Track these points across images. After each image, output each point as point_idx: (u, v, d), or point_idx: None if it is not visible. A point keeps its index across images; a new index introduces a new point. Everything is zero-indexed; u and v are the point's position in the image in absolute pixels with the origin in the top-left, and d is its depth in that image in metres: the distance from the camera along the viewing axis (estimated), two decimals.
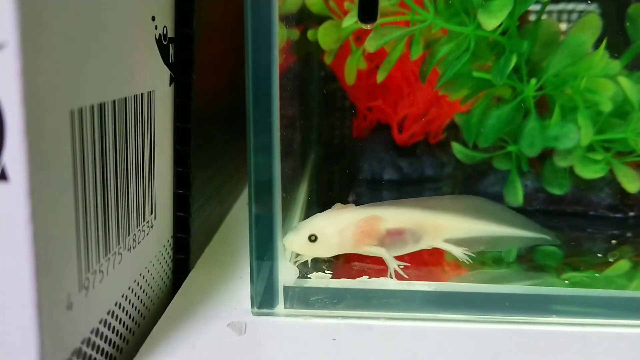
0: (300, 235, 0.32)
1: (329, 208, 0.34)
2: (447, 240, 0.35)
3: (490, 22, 0.34)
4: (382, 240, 0.33)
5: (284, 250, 0.32)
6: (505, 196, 0.41)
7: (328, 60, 0.42)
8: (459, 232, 0.35)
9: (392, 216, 0.33)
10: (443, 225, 0.35)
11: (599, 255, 0.38)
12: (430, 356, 0.28)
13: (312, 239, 0.32)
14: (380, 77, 0.39)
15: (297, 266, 0.33)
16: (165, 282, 0.35)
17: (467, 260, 0.34)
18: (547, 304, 0.31)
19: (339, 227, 0.32)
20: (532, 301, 0.32)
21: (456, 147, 0.41)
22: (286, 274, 0.31)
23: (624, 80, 0.36)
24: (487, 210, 0.37)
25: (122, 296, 0.28)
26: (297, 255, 0.34)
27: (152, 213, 0.32)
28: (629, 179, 0.39)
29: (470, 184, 0.43)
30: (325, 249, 0.32)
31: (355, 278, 0.33)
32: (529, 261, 0.38)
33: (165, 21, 0.32)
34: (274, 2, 0.28)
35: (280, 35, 0.28)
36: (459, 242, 0.35)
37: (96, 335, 0.25)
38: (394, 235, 0.33)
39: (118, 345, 0.28)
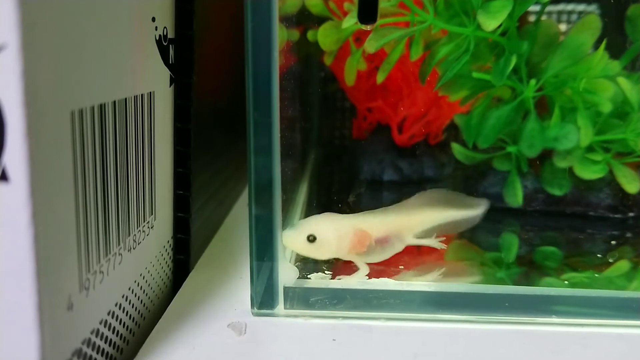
0: (299, 233, 0.32)
1: (328, 208, 0.34)
2: (418, 234, 0.36)
3: (490, 23, 0.34)
4: (372, 248, 0.34)
5: (284, 250, 0.32)
6: (504, 197, 0.41)
7: (328, 61, 0.42)
8: (425, 224, 0.37)
9: (379, 224, 0.34)
10: (412, 223, 0.36)
11: (598, 255, 0.38)
12: (430, 357, 0.28)
13: (311, 239, 0.32)
14: (380, 78, 0.39)
15: (296, 266, 0.33)
16: (166, 283, 0.35)
17: (443, 247, 0.36)
18: (547, 305, 0.31)
19: (339, 233, 0.33)
20: (532, 301, 0.32)
21: (456, 148, 0.41)
22: (286, 275, 0.32)
23: (623, 81, 0.36)
24: (445, 199, 0.39)
25: (123, 297, 0.28)
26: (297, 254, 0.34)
27: (152, 214, 0.32)
28: (628, 179, 0.39)
29: (470, 185, 0.43)
30: (322, 252, 0.33)
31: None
32: (528, 262, 0.38)
33: (166, 22, 0.32)
34: (274, 3, 0.28)
35: (280, 36, 0.28)
36: (427, 233, 0.37)
37: (96, 336, 0.25)
38: (382, 243, 0.34)
39: (118, 346, 0.28)
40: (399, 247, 0.35)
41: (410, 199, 0.38)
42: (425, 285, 0.32)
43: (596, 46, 0.36)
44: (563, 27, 0.44)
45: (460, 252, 0.39)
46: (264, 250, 0.31)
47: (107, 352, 0.27)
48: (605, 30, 0.36)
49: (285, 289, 0.31)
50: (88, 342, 0.25)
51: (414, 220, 0.36)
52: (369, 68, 0.44)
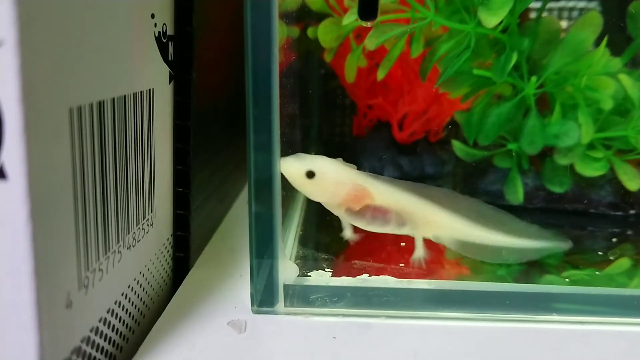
0: (300, 165, 0.32)
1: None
2: (436, 237, 0.34)
3: (491, 19, 0.34)
4: (362, 213, 0.33)
5: (284, 247, 0.32)
6: (505, 194, 0.41)
7: (328, 58, 0.42)
8: (452, 232, 0.34)
9: (385, 195, 0.33)
10: (434, 222, 0.34)
11: (599, 253, 0.38)
12: (431, 354, 0.28)
13: (309, 175, 0.32)
14: (380, 74, 0.39)
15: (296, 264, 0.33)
16: (165, 281, 0.35)
17: (421, 266, 0.34)
18: (547, 302, 0.31)
19: (339, 179, 0.32)
20: (533, 299, 0.32)
21: (457, 145, 0.41)
22: (286, 272, 0.31)
23: (624, 78, 0.36)
24: (490, 216, 0.36)
25: (122, 294, 0.28)
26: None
27: (151, 211, 0.32)
28: (629, 176, 0.39)
29: (471, 182, 0.43)
30: (316, 192, 0.32)
31: (355, 276, 0.33)
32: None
33: (165, 19, 0.32)
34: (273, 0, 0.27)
35: (280, 33, 0.28)
36: (452, 243, 0.34)
37: (96, 334, 0.25)
38: (377, 213, 0.33)
39: (118, 344, 0.28)
40: (393, 229, 0.33)
41: (445, 192, 0.35)
42: (426, 282, 0.32)
43: (597, 43, 0.36)
44: (564, 23, 0.44)
45: None
46: (264, 248, 0.31)
47: (107, 350, 0.27)
48: (607, 27, 0.36)
49: (285, 286, 0.31)
50: (87, 341, 0.24)
51: (438, 220, 0.34)
52: (369, 65, 0.44)
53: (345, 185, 0.32)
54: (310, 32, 0.40)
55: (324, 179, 0.32)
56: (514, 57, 0.35)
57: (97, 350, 0.25)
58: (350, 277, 0.33)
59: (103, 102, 0.25)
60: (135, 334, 0.30)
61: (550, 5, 0.42)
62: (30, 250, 0.20)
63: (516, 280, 0.34)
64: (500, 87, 0.38)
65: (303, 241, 0.37)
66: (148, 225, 0.31)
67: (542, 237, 0.36)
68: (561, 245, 0.36)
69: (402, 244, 0.36)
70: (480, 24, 0.34)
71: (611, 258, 0.37)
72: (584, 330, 0.30)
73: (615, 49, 0.37)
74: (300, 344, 0.29)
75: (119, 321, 0.28)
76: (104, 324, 0.26)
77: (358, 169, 0.41)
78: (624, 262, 0.37)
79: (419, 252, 0.34)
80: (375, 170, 0.47)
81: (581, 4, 0.46)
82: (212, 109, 0.40)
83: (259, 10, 0.28)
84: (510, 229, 0.35)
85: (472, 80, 0.38)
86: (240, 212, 0.49)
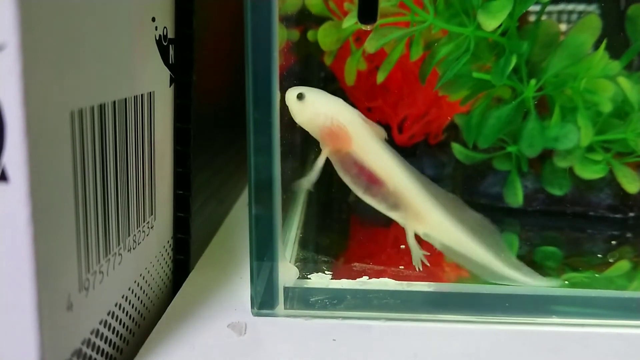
0: (296, 90, 0.32)
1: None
2: (426, 235, 0.33)
3: (490, 22, 0.34)
4: (349, 166, 0.32)
5: (284, 250, 0.32)
6: (505, 197, 0.41)
7: (328, 61, 0.42)
8: (442, 234, 0.33)
9: (372, 154, 0.32)
10: (426, 218, 0.33)
11: (599, 255, 0.38)
12: (431, 356, 0.28)
13: (299, 97, 0.32)
14: (380, 77, 0.39)
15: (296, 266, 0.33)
16: (166, 283, 0.35)
17: (418, 268, 0.33)
18: (547, 305, 0.31)
19: (321, 109, 0.32)
20: (532, 302, 0.32)
21: (456, 148, 0.41)
22: (286, 275, 0.31)
23: (623, 81, 0.36)
24: (484, 233, 0.34)
25: (122, 297, 0.28)
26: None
27: (152, 214, 0.32)
28: (629, 179, 0.39)
29: (471, 185, 0.43)
30: (298, 112, 0.32)
31: (355, 279, 0.33)
32: (529, 262, 0.37)
33: (166, 22, 0.32)
34: (274, 2, 0.28)
35: (280, 35, 0.28)
36: (441, 246, 0.33)
37: (96, 336, 0.25)
38: (363, 173, 0.32)
39: (118, 346, 0.28)
40: (380, 205, 0.32)
41: (451, 197, 0.34)
42: (425, 285, 0.32)
43: (596, 46, 0.36)
44: (563, 26, 0.44)
45: None
46: (264, 250, 0.31)
47: (107, 352, 0.27)
48: (606, 30, 0.36)
49: (285, 289, 0.31)
50: (88, 343, 0.25)
51: (431, 217, 0.33)
52: (369, 68, 0.44)
53: (325, 116, 0.31)
54: (310, 35, 0.40)
55: (310, 104, 0.32)
56: (513, 60, 0.35)
57: (97, 352, 0.26)
58: (350, 280, 0.33)
59: (104, 105, 0.25)
60: (136, 336, 0.30)
61: (549, 8, 0.43)
62: (31, 253, 0.20)
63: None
64: (500, 90, 0.38)
65: (303, 243, 0.37)
66: (148, 227, 0.31)
67: (529, 276, 0.34)
68: (549, 284, 0.33)
69: (402, 246, 0.36)
70: (480, 27, 0.34)
71: (610, 260, 0.37)
72: (583, 333, 0.30)
73: (614, 52, 0.37)
74: (300, 346, 0.29)
75: (120, 323, 0.28)
76: (105, 326, 0.26)
77: None
78: (623, 265, 0.37)
79: (415, 252, 0.33)
80: None
81: (580, 7, 0.46)
82: (212, 112, 0.40)
83: (259, 13, 0.28)
84: (502, 256, 0.34)
85: (471, 83, 0.38)
86: (240, 214, 0.49)
